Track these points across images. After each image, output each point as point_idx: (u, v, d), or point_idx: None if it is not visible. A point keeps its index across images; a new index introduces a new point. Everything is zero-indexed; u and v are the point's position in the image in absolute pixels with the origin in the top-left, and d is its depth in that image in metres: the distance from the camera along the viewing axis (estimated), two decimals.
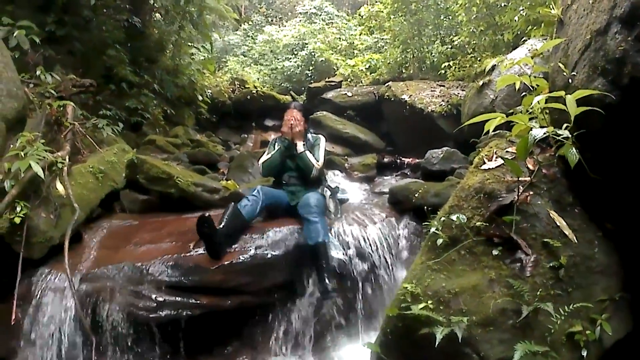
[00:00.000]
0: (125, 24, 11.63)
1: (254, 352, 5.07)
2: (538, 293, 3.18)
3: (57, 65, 8.52)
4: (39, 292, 4.79)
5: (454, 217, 3.55)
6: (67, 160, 6.09)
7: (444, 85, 12.76)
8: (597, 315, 3.27)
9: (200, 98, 14.34)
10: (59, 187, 5.60)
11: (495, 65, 8.32)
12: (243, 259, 5.00)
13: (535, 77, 3.61)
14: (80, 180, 6.18)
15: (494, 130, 3.48)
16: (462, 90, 11.83)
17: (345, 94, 14.95)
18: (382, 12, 17.57)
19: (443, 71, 13.77)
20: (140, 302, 4.68)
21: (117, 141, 8.15)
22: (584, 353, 3.13)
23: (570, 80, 3.50)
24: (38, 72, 7.09)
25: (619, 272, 3.53)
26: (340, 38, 23.73)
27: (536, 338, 3.06)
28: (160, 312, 4.68)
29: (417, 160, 9.94)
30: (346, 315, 5.57)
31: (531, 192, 3.57)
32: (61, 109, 6.79)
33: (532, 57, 3.96)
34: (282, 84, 22.09)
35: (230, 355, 4.98)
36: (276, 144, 6.37)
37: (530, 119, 3.51)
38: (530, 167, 3.69)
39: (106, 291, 4.71)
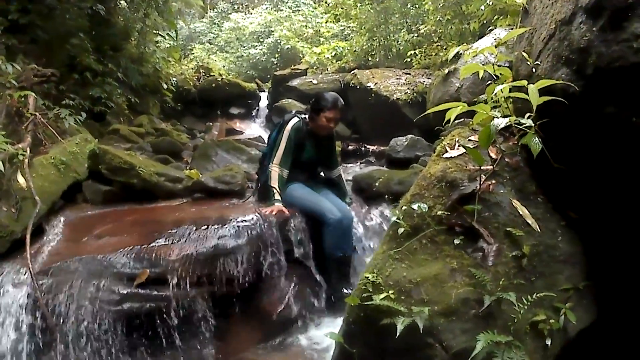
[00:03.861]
0: (89, 11, 11.50)
1: (221, 344, 5.03)
2: (501, 282, 3.17)
3: (20, 54, 8.43)
4: (0, 287, 4.71)
5: (415, 206, 3.52)
6: (29, 151, 6.01)
7: (409, 74, 12.83)
8: (561, 304, 3.26)
9: (165, 86, 14.33)
10: (20, 179, 5.52)
11: (460, 53, 8.33)
12: (205, 249, 4.95)
13: (499, 66, 3.60)
14: (41, 172, 6.08)
15: (458, 119, 3.47)
16: (428, 78, 11.90)
17: (311, 81, 14.98)
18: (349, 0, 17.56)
19: (409, 59, 13.83)
20: (103, 295, 4.58)
21: (80, 131, 8.08)
22: (548, 342, 3.13)
23: (534, 70, 3.49)
24: None
25: (583, 261, 3.53)
26: (306, 26, 23.82)
27: (499, 327, 3.05)
28: (124, 305, 4.61)
29: (382, 148, 9.97)
30: (315, 301, 5.58)
31: (494, 181, 3.56)
32: (22, 99, 6.71)
33: (496, 46, 3.94)
34: (248, 72, 22.18)
35: (197, 347, 4.94)
36: (294, 134, 5.95)
37: (493, 108, 3.50)
38: (493, 155, 3.67)
39: (69, 285, 4.62)
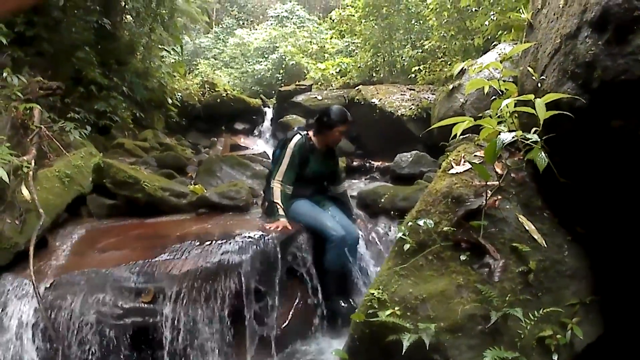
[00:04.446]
0: (95, 25, 11.52)
1: (226, 358, 5.00)
2: (507, 298, 3.16)
3: (25, 66, 8.42)
4: (4, 300, 4.69)
5: (421, 222, 3.51)
6: (33, 164, 6.00)
7: (414, 89, 12.82)
8: (567, 320, 3.25)
9: (170, 101, 14.31)
10: (25, 192, 5.50)
11: (465, 69, 8.33)
12: (209, 264, 4.93)
13: (504, 81, 3.59)
14: (46, 185, 6.07)
15: (462, 134, 3.46)
16: (432, 94, 11.90)
17: (316, 97, 14.98)
18: (354, 16, 17.63)
19: (413, 75, 13.84)
20: (106, 310, 4.56)
21: (84, 145, 8.06)
22: (555, 357, 3.10)
23: (539, 84, 3.48)
24: (5, 74, 6.95)
25: (589, 275, 3.52)
26: (311, 42, 23.86)
27: (506, 344, 3.04)
28: (127, 320, 4.58)
29: (387, 164, 9.96)
30: (318, 317, 5.55)
31: (499, 197, 3.55)
32: (28, 111, 6.69)
33: (501, 61, 3.93)
34: (253, 88, 22.18)
35: None
36: (297, 151, 5.89)
37: (499, 123, 3.49)
38: (499, 171, 3.66)
39: (72, 298, 4.61)
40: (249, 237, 5.35)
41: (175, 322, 4.72)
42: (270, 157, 6.19)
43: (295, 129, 6.15)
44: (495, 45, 9.72)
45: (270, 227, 5.51)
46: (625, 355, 3.61)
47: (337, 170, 6.43)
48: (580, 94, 2.94)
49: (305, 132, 6.02)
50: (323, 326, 5.58)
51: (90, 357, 4.50)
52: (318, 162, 5.98)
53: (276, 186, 5.77)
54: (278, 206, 5.70)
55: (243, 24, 32.81)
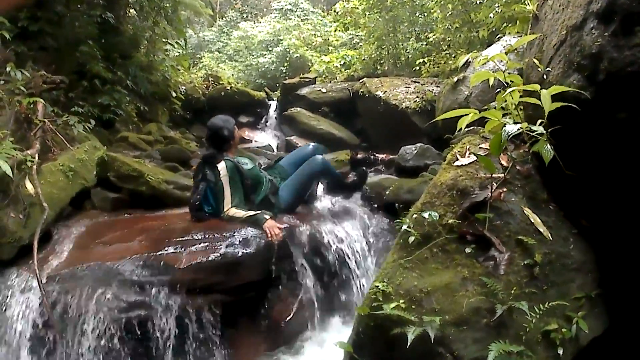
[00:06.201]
0: (98, 19, 11.44)
1: (229, 352, 4.99)
2: (512, 291, 3.15)
3: (29, 61, 8.40)
4: (8, 294, 4.69)
5: (426, 215, 3.50)
6: (37, 158, 5.98)
7: (418, 82, 12.74)
8: (573, 313, 3.24)
9: (174, 94, 14.25)
10: (29, 186, 5.50)
11: (469, 61, 8.29)
12: (213, 257, 4.91)
13: (509, 73, 3.57)
14: (50, 179, 6.06)
15: (467, 127, 3.44)
16: (437, 86, 11.82)
17: (320, 90, 14.90)
18: (357, 8, 17.54)
19: (418, 68, 13.75)
20: (110, 303, 4.57)
21: (88, 138, 8.03)
22: (560, 351, 3.10)
23: (545, 76, 3.47)
24: (8, 69, 6.92)
25: (595, 269, 3.51)
26: (315, 34, 23.79)
27: (511, 337, 3.03)
28: (131, 313, 4.58)
29: (391, 156, 9.88)
30: (323, 314, 5.54)
31: (505, 189, 3.54)
32: (31, 106, 6.67)
33: (506, 53, 3.91)
34: (257, 81, 22.10)
35: (205, 355, 4.90)
36: (234, 172, 5.77)
37: (504, 115, 3.48)
38: (504, 163, 3.65)
39: (76, 292, 4.60)
40: (255, 229, 5.34)
41: (180, 315, 4.72)
42: (200, 184, 5.87)
43: (205, 160, 5.99)
44: (500, 37, 9.66)
45: (272, 237, 5.31)
46: (631, 349, 3.60)
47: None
48: (586, 85, 2.92)
49: (225, 155, 5.87)
50: (328, 318, 5.58)
51: (93, 350, 4.51)
52: (246, 163, 6.00)
53: (232, 211, 5.59)
54: (250, 215, 5.49)
55: (247, 17, 32.76)
